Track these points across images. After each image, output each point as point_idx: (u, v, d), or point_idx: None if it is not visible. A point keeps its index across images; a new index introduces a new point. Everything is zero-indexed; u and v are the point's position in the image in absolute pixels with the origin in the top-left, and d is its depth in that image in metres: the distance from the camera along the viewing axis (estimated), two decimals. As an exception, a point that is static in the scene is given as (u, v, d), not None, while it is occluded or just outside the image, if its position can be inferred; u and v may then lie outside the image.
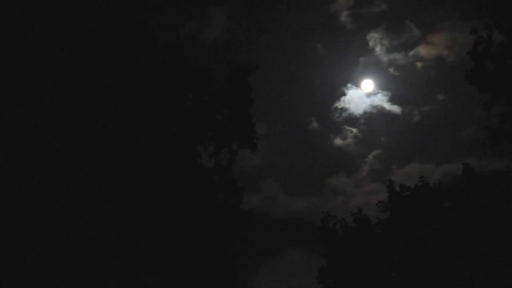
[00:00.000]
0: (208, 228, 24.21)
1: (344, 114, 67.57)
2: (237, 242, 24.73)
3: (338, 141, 68.76)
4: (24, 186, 20.01)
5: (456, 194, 34.27)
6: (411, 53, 68.77)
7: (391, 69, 67.69)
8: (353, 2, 74.54)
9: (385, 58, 67.67)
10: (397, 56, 67.08)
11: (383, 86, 73.04)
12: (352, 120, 69.65)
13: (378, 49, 67.57)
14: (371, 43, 71.68)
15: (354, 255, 35.34)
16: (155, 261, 22.78)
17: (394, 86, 67.91)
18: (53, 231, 20.85)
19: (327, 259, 35.86)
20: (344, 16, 74.28)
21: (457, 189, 34.38)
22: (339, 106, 66.45)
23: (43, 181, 20.69)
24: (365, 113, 66.11)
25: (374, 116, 66.84)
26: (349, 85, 70.67)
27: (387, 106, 66.20)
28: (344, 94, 67.28)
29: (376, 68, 68.54)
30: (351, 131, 67.61)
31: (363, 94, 66.45)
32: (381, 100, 66.64)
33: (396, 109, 66.60)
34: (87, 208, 22.10)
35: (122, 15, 21.06)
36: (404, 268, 34.26)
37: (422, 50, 65.27)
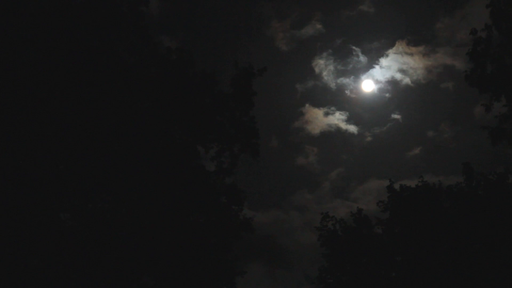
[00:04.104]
0: (208, 230, 24.27)
1: (302, 133, 69.77)
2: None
3: (300, 160, 70.71)
4: (24, 186, 20.05)
5: (456, 194, 34.28)
6: (365, 75, 71.04)
7: (347, 91, 69.68)
8: (289, 25, 75.93)
9: (333, 83, 69.72)
10: (345, 80, 69.50)
11: (340, 106, 75.45)
12: (312, 139, 71.44)
13: (325, 73, 69.56)
14: (317, 69, 73.15)
15: (354, 255, 35.38)
16: (155, 262, 22.81)
17: (350, 107, 70.95)
18: (53, 231, 20.90)
19: (327, 259, 35.92)
20: (280, 38, 75.71)
21: (457, 189, 34.40)
22: (298, 126, 68.74)
23: (43, 181, 20.73)
24: (323, 132, 68.51)
25: (333, 135, 69.52)
26: (307, 105, 73.14)
27: (344, 125, 69.02)
28: (302, 114, 69.18)
29: (333, 89, 70.80)
30: (312, 150, 69.85)
31: (321, 114, 68.66)
32: (338, 120, 69.21)
33: (352, 128, 69.24)
34: (88, 208, 22.16)
35: (122, 19, 21.16)
36: (405, 268, 34.29)
37: (376, 73, 67.30)
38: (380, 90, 67.06)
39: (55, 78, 20.40)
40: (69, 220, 21.84)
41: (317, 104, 79.05)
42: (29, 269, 20.05)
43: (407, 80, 66.45)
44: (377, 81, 66.41)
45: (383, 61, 69.71)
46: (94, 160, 21.59)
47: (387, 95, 67.61)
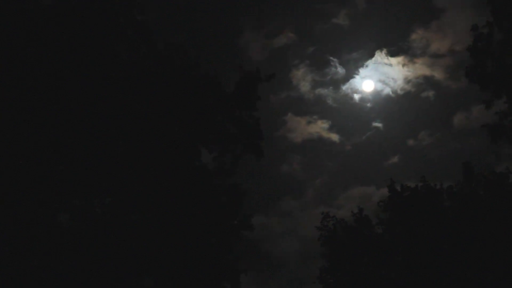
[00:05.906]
0: (208, 231, 24.19)
1: (286, 141, 71.01)
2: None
3: (284, 167, 71.91)
4: (24, 186, 19.99)
5: (456, 194, 34.23)
6: (345, 86, 72.57)
7: (329, 100, 71.09)
8: (263, 36, 76.70)
9: (311, 93, 71.09)
10: (323, 90, 71.00)
11: (322, 115, 78.39)
12: (295, 147, 73.06)
13: (302, 84, 70.82)
14: (294, 81, 74.25)
15: (355, 255, 35.29)
16: (156, 263, 22.72)
17: (332, 116, 72.52)
18: (53, 232, 20.82)
19: (328, 259, 35.82)
20: (254, 48, 76.77)
21: (457, 188, 34.35)
22: (281, 134, 69.92)
23: (42, 181, 20.66)
24: (306, 140, 70.12)
25: (316, 143, 71.08)
26: (289, 114, 74.85)
27: (326, 134, 70.51)
28: (285, 122, 70.38)
29: (312, 99, 72.26)
30: (296, 158, 71.32)
31: (304, 123, 70.05)
32: (321, 128, 70.45)
33: (334, 137, 71.31)
34: (88, 209, 22.07)
35: (120, 16, 21.09)
36: (405, 268, 34.20)
37: (356, 83, 68.79)
38: (361, 99, 68.93)
39: (54, 78, 20.36)
40: (69, 220, 21.75)
41: (299, 113, 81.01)
42: (29, 269, 19.94)
43: (387, 90, 68.25)
44: (357, 91, 68.08)
45: (363, 71, 71.42)
46: (94, 160, 21.52)
47: (368, 104, 69.44)
